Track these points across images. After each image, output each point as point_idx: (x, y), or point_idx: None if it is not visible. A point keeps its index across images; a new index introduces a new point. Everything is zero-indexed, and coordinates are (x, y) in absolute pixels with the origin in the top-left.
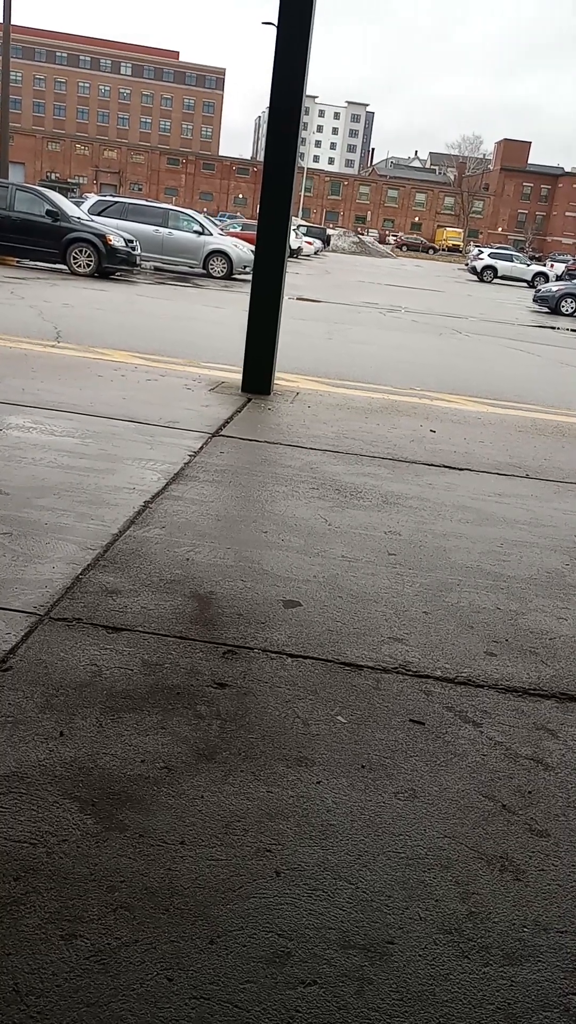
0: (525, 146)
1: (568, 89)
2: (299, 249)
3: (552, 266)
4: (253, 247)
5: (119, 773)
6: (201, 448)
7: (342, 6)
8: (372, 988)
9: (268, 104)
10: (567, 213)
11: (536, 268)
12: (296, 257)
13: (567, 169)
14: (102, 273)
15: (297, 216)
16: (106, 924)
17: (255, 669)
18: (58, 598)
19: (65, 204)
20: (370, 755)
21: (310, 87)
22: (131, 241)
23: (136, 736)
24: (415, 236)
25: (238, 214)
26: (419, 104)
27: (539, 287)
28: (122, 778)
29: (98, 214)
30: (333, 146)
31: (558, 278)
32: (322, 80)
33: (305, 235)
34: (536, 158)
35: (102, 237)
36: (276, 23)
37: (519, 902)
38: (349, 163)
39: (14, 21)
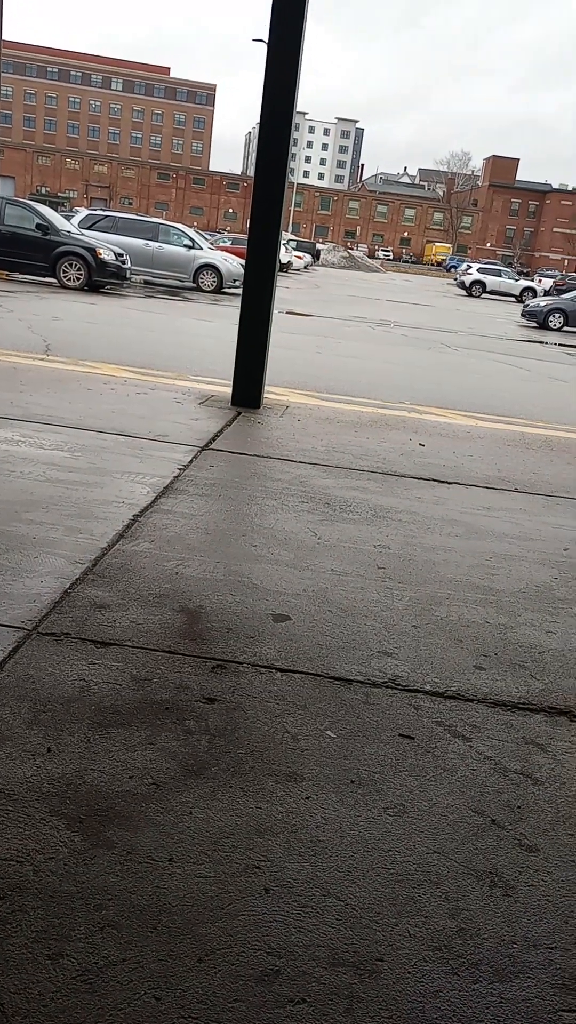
0: (513, 163)
1: (558, 107)
2: (289, 263)
3: (540, 281)
4: (243, 261)
5: (107, 789)
6: (191, 462)
7: (342, 17)
8: (361, 1006)
9: (259, 120)
10: (555, 229)
11: (524, 283)
12: (286, 271)
13: (555, 185)
14: (92, 286)
15: (287, 231)
16: (93, 943)
17: (244, 684)
18: (46, 613)
19: (55, 218)
20: (359, 770)
21: (301, 103)
22: (121, 255)
23: (124, 752)
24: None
25: (228, 228)
26: (415, 120)
27: (527, 302)
28: (110, 794)
29: (88, 228)
30: (323, 162)
31: (546, 293)
32: (316, 95)
33: (295, 250)
34: (525, 174)
35: (92, 251)
36: (266, 41)
37: (509, 918)
38: (339, 179)
39: (5, 36)
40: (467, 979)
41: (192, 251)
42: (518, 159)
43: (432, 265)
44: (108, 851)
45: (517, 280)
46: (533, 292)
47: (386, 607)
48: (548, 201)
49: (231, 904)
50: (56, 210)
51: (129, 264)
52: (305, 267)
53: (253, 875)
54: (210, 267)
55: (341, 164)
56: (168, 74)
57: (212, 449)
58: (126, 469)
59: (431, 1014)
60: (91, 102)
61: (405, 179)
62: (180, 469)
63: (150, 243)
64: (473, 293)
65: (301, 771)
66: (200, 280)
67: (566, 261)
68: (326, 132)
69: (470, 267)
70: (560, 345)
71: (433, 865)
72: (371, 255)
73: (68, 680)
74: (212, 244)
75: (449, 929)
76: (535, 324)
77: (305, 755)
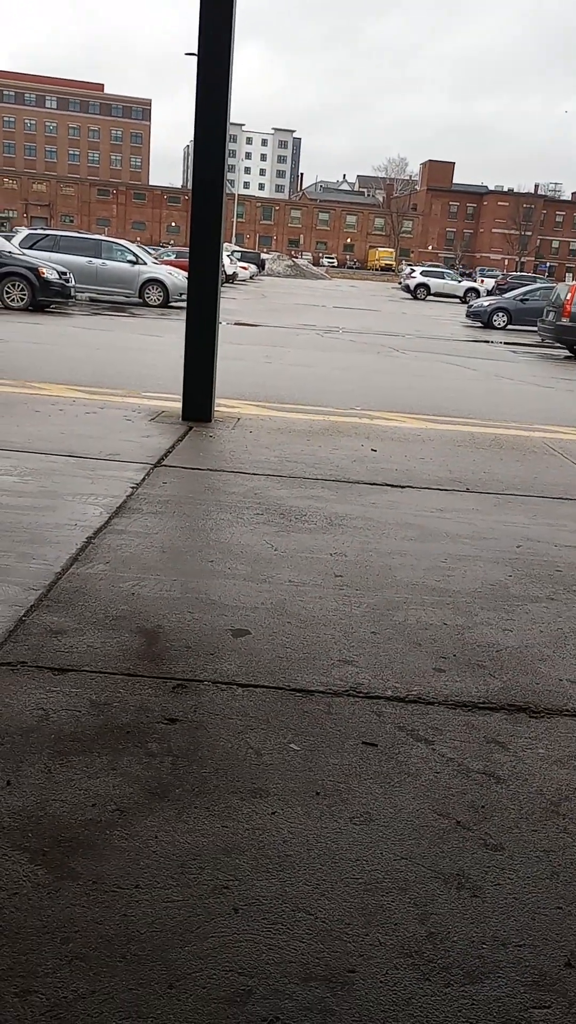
0: (449, 166)
1: (488, 113)
2: (234, 274)
3: (483, 281)
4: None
5: (70, 819)
6: (143, 480)
7: (273, 32)
8: (335, 1019)
9: (193, 133)
10: (494, 230)
11: (467, 284)
12: (232, 282)
13: (491, 187)
14: (36, 306)
15: (231, 242)
16: (61, 977)
17: (206, 702)
18: (1, 642)
19: None
20: (324, 781)
21: (237, 115)
22: (65, 273)
23: (86, 779)
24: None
25: (171, 242)
26: (351, 129)
27: (471, 302)
28: (73, 824)
29: (30, 247)
30: (263, 172)
31: (489, 293)
32: (251, 107)
33: (240, 260)
34: (462, 178)
35: (35, 270)
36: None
37: (477, 919)
38: (279, 188)
39: None
40: (439, 984)
41: (136, 266)
42: (454, 163)
43: (376, 270)
44: (73, 882)
45: (460, 281)
46: (476, 293)
47: (345, 615)
48: (485, 203)
49: (200, 927)
50: None
51: (73, 282)
52: (251, 277)
53: (221, 896)
54: (156, 282)
55: (281, 174)
56: (102, 91)
57: (165, 465)
58: (78, 491)
59: (404, 1022)
60: (26, 120)
61: (345, 186)
62: (133, 488)
63: (93, 260)
64: (418, 296)
65: (266, 786)
66: (146, 295)
67: (506, 261)
68: (264, 143)
69: (414, 270)
70: (505, 344)
71: (401, 872)
72: (316, 263)
73: (26, 710)
74: (156, 258)
75: (419, 935)
76: (480, 324)
77: (269, 770)
